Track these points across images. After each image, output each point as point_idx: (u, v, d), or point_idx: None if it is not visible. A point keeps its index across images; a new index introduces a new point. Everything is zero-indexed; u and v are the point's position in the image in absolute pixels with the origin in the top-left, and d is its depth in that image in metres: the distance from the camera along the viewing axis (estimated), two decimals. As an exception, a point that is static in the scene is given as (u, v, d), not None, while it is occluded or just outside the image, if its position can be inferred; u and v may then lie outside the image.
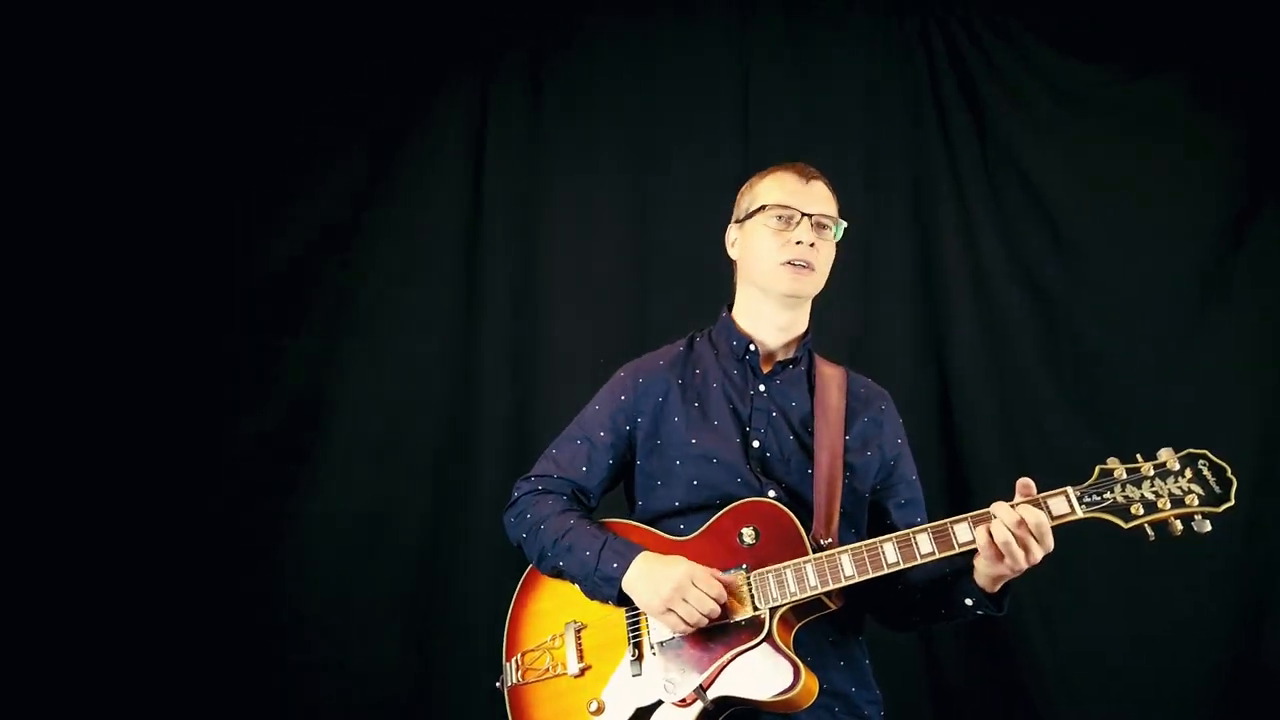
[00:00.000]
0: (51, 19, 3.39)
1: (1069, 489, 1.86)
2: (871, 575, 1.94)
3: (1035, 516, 1.83)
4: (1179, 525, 1.82)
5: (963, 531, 1.90)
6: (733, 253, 2.30)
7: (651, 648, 2.06)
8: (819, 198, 2.20)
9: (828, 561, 1.97)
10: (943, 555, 1.91)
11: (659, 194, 3.70)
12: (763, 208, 2.19)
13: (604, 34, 3.74)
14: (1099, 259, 3.64)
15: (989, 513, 1.88)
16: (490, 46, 3.72)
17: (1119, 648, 3.42)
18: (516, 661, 2.20)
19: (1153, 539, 1.83)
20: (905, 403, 2.37)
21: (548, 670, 2.15)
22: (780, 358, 2.25)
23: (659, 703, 2.02)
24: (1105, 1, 3.74)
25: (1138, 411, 3.54)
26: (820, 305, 2.29)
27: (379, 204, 3.65)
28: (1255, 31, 3.63)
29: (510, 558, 2.34)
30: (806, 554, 2.00)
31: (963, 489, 3.51)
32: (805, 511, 2.08)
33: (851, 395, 2.24)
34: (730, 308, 2.32)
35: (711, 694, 1.97)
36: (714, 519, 2.09)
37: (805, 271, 2.16)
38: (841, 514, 2.12)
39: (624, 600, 2.06)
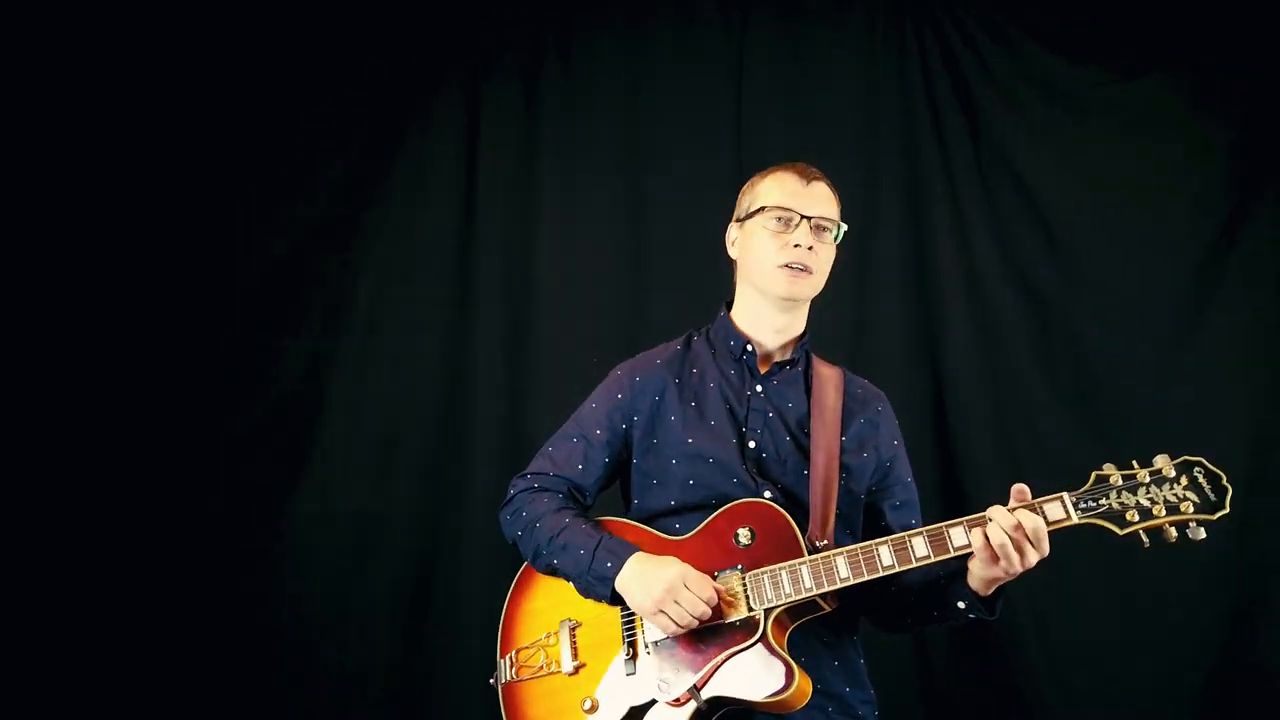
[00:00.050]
0: (49, 18, 3.39)
1: (1065, 495, 1.86)
2: (866, 578, 1.94)
3: (1033, 521, 1.83)
4: (1174, 532, 1.82)
5: (958, 535, 1.90)
6: (732, 252, 2.30)
7: (646, 647, 2.06)
8: (820, 199, 2.19)
9: (823, 563, 1.97)
10: (938, 559, 1.91)
11: (653, 194, 3.70)
12: (762, 209, 2.19)
13: (599, 35, 3.74)
14: (1093, 260, 3.64)
15: (985, 516, 1.88)
16: (488, 46, 3.72)
17: (1111, 648, 3.43)
18: (511, 658, 2.20)
19: (1147, 545, 1.83)
20: (899, 404, 2.37)
21: (542, 668, 2.16)
22: (778, 359, 2.25)
23: (653, 702, 2.02)
24: (1098, 3, 3.74)
25: (1131, 413, 3.54)
26: (815, 306, 2.29)
27: (374, 203, 3.66)
28: (1248, 33, 3.63)
29: (504, 556, 2.34)
30: (802, 555, 2.00)
31: (957, 491, 3.52)
32: (800, 513, 2.08)
33: (849, 396, 2.24)
34: (729, 306, 2.32)
35: (705, 694, 1.98)
36: (710, 519, 2.10)
37: (803, 275, 2.16)
38: (837, 515, 2.12)
39: (617, 599, 2.07)
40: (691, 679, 1.99)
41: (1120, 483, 1.85)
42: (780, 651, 1.96)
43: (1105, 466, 1.88)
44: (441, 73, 3.70)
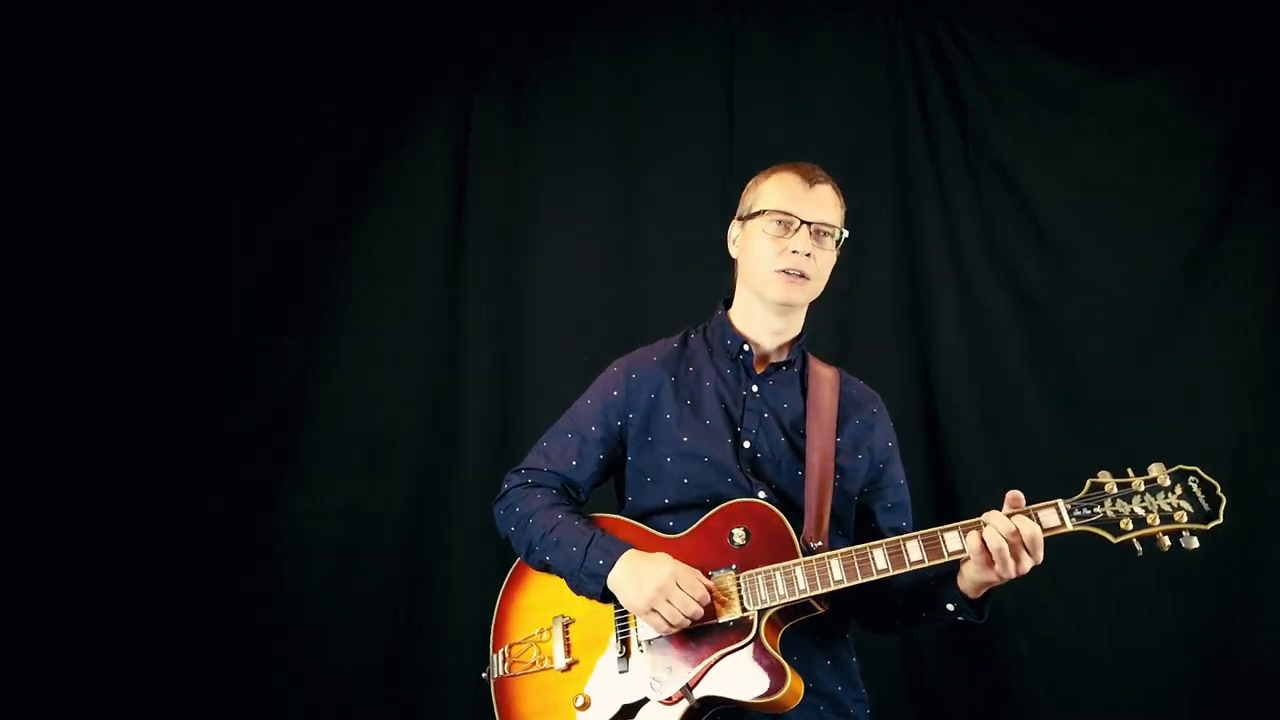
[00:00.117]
0: (49, 18, 3.38)
1: (1059, 502, 1.87)
2: (861, 581, 1.95)
3: (1030, 528, 1.84)
4: (1167, 542, 1.83)
5: (953, 540, 1.91)
6: (733, 250, 2.29)
7: (639, 645, 2.06)
8: (822, 204, 2.17)
9: (817, 565, 1.98)
10: (932, 563, 1.92)
11: (645, 193, 3.70)
12: (763, 211, 2.18)
13: (592, 36, 3.74)
14: (1083, 261, 3.66)
15: (980, 521, 1.88)
16: (484, 47, 3.72)
17: (1100, 646, 3.45)
18: (503, 653, 2.21)
19: (1140, 554, 1.84)
20: (889, 406, 2.37)
21: (534, 663, 2.16)
22: (774, 359, 2.25)
23: (645, 700, 2.03)
24: (1089, 3, 3.74)
25: (1121, 413, 3.56)
26: (808, 307, 2.28)
27: (367, 203, 3.65)
28: (1238, 32, 3.64)
29: (496, 553, 2.35)
30: (796, 557, 2.00)
31: (948, 492, 3.53)
32: (794, 513, 2.08)
33: (844, 397, 2.24)
34: (727, 304, 2.32)
35: (697, 693, 1.98)
36: (705, 518, 2.10)
37: (799, 281, 2.15)
38: (831, 516, 2.12)
39: (609, 597, 2.07)
40: (684, 678, 2.00)
41: (1115, 490, 1.85)
42: (773, 653, 1.97)
43: (1100, 474, 1.88)
44: (436, 74, 3.69)
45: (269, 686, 3.42)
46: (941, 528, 1.92)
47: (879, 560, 1.94)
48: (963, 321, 3.64)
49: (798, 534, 2.04)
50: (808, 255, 2.13)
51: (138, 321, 3.45)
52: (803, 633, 2.06)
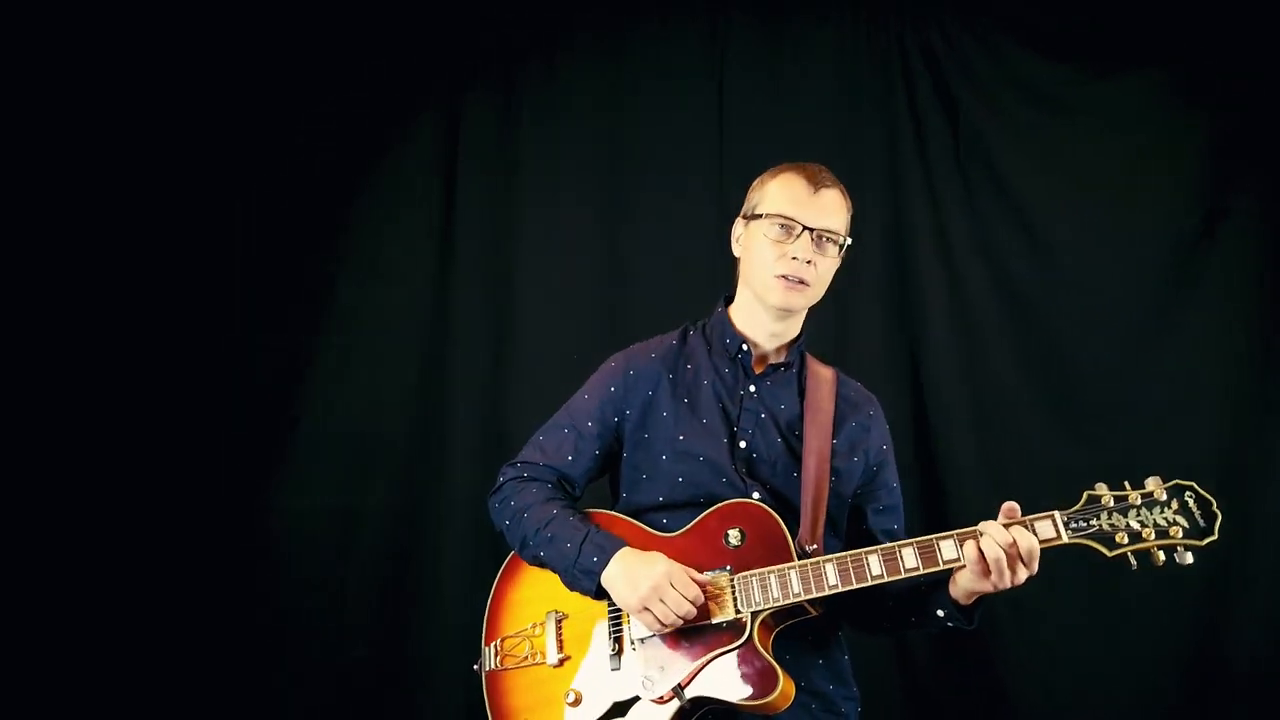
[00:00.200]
0: (48, 17, 3.37)
1: (1056, 514, 1.87)
2: (855, 586, 1.95)
3: (1027, 541, 1.84)
4: (1161, 556, 1.83)
5: (948, 549, 1.90)
6: (735, 249, 2.27)
7: (632, 643, 2.06)
8: (826, 210, 2.15)
9: (812, 569, 1.97)
10: (927, 571, 1.92)
11: (634, 193, 3.70)
12: (765, 214, 2.16)
13: (583, 37, 3.75)
14: (1073, 259, 3.65)
15: (976, 531, 1.88)
16: (474, 49, 3.73)
17: (1093, 647, 3.46)
18: (496, 647, 2.21)
19: (1135, 567, 1.84)
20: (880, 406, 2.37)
21: (527, 658, 2.17)
22: (773, 360, 2.24)
23: (636, 698, 2.03)
24: (1078, 1, 3.72)
25: (1111, 413, 3.57)
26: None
27: (358, 204, 3.66)
28: (1228, 30, 3.63)
29: (486, 552, 2.35)
30: (791, 560, 2.00)
31: (938, 491, 3.54)
32: (789, 515, 2.08)
33: (841, 399, 2.24)
34: (728, 301, 2.31)
35: (689, 693, 1.99)
36: (701, 517, 2.10)
37: (799, 287, 2.13)
38: (825, 518, 2.13)
39: (603, 594, 2.06)
40: (676, 678, 2.00)
41: (1111, 504, 1.85)
42: (765, 655, 1.97)
43: (1097, 486, 1.88)
44: (428, 75, 3.70)
45: (260, 683, 3.44)
46: (937, 535, 1.92)
47: (874, 566, 1.94)
48: (953, 321, 3.64)
49: (793, 536, 2.04)
50: (809, 262, 2.12)
51: (130, 320, 3.45)
52: (795, 631, 2.06)
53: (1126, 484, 1.87)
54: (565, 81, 3.72)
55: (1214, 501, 1.84)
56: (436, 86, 3.71)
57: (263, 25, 3.57)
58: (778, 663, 1.97)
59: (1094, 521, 1.85)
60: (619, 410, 2.22)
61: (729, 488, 2.12)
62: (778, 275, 2.13)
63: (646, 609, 1.99)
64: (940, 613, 2.02)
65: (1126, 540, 1.84)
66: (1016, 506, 1.89)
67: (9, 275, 3.32)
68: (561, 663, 2.13)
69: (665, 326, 2.35)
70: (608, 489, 2.33)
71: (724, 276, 2.38)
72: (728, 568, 2.03)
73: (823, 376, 2.25)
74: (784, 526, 2.04)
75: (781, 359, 2.24)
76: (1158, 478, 1.87)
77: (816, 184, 2.16)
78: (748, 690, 1.96)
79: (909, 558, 1.92)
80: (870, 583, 1.94)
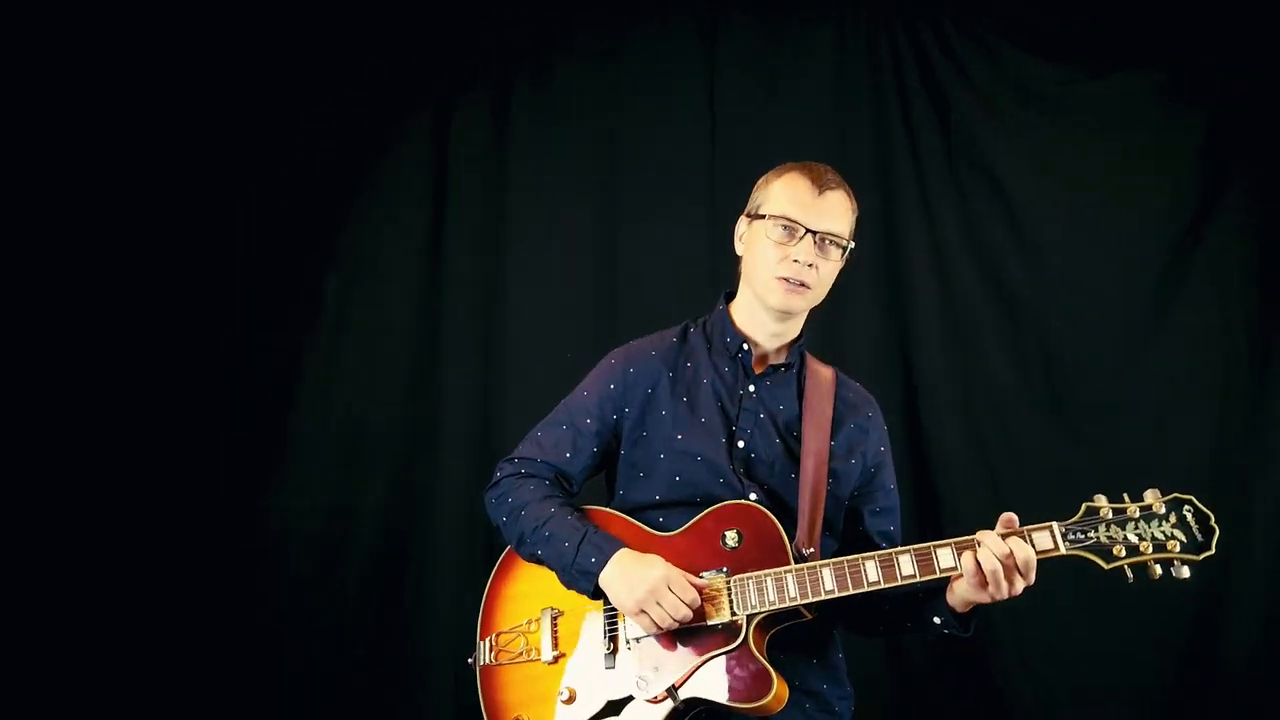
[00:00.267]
0: (48, 17, 3.36)
1: (1054, 525, 1.86)
2: (851, 592, 1.95)
3: (1025, 552, 1.84)
4: (1158, 569, 1.83)
5: (946, 557, 1.90)
6: (738, 247, 2.26)
7: (627, 642, 2.07)
8: (830, 212, 2.13)
9: (809, 574, 1.97)
10: (924, 579, 1.91)
11: (625, 195, 3.70)
12: (769, 215, 2.14)
13: (573, 43, 3.74)
14: (1065, 259, 3.65)
15: (974, 539, 1.88)
16: (469, 50, 3.73)
17: (1086, 648, 3.48)
18: (490, 642, 2.21)
19: (1131, 581, 1.84)
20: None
21: (521, 654, 2.17)
22: (773, 361, 2.23)
23: (630, 698, 2.03)
24: (1070, 1, 3.71)
25: (1105, 413, 3.58)
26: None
27: (351, 204, 3.67)
28: (1219, 28, 3.62)
29: (478, 550, 2.35)
30: (788, 563, 2.00)
31: (929, 493, 3.54)
32: (785, 515, 2.08)
33: (839, 400, 2.24)
34: (729, 298, 2.29)
35: (683, 694, 1.99)
36: (698, 518, 2.09)
37: (800, 290, 2.12)
38: (823, 520, 2.12)
39: (599, 594, 2.06)
40: (670, 678, 2.00)
41: (1110, 516, 1.85)
42: (760, 658, 1.97)
43: (1096, 498, 1.88)
44: (421, 74, 3.70)
45: (258, 682, 3.45)
46: (935, 543, 1.92)
47: (871, 572, 1.94)
48: (945, 321, 3.64)
49: (790, 539, 2.04)
50: (810, 265, 2.11)
51: (130, 319, 3.45)
52: (790, 631, 2.06)
53: (1125, 496, 1.87)
54: (557, 85, 3.72)
55: (1212, 516, 1.83)
56: (435, 87, 3.72)
57: (263, 26, 3.58)
58: (772, 663, 1.97)
59: (1092, 533, 1.85)
60: (618, 408, 2.21)
61: (726, 488, 2.12)
62: (779, 277, 2.12)
63: (643, 611, 1.99)
64: (937, 620, 2.02)
65: (1124, 553, 1.83)
66: (1014, 517, 1.89)
67: (7, 274, 3.32)
68: (556, 660, 2.13)
69: (658, 326, 2.34)
70: (603, 484, 2.32)
71: (718, 277, 2.38)
72: (724, 569, 2.03)
73: (822, 376, 2.25)
74: (781, 530, 2.03)
75: (782, 359, 2.23)
76: (1156, 490, 1.86)
77: (821, 185, 2.14)
78: (741, 693, 1.96)
79: (906, 565, 1.92)
80: (867, 589, 1.94)
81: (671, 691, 2.00)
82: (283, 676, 3.46)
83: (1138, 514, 1.85)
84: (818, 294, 2.17)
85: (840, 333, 3.57)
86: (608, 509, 2.21)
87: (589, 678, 2.09)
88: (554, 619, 2.16)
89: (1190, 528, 1.83)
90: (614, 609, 2.08)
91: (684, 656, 2.01)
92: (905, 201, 3.67)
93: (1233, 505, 3.44)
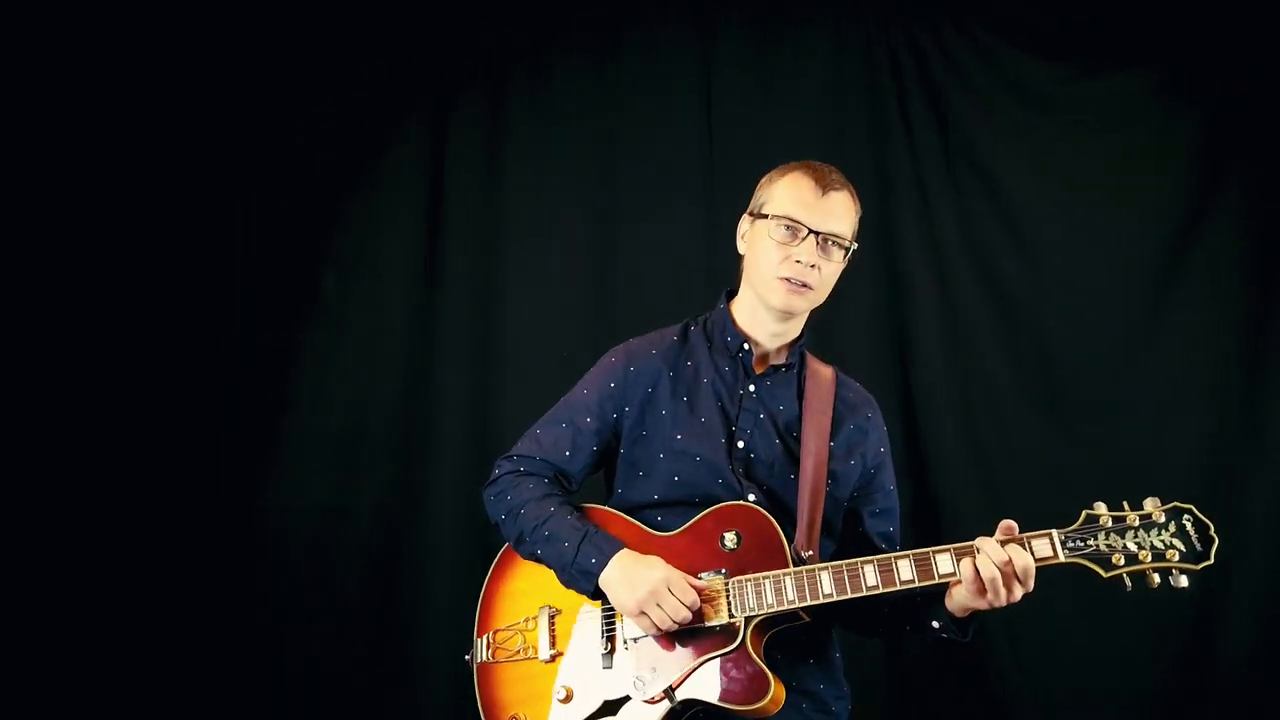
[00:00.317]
0: (48, 17, 3.35)
1: (1054, 532, 1.87)
2: (850, 596, 1.95)
3: (1023, 560, 1.84)
4: (1156, 578, 1.83)
5: (945, 562, 1.90)
6: (741, 246, 2.25)
7: (624, 642, 2.07)
8: (832, 213, 2.12)
9: (807, 577, 1.97)
10: (922, 584, 1.92)
11: (622, 195, 3.69)
12: (772, 215, 2.14)
13: (569, 45, 3.73)
14: (1062, 259, 3.64)
15: (973, 546, 1.88)
16: (465, 50, 3.71)
17: (1081, 648, 3.48)
18: (488, 639, 2.21)
19: (1130, 589, 1.85)
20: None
21: (518, 652, 2.17)
22: (774, 361, 2.23)
23: (627, 698, 2.04)
24: (1066, 1, 3.70)
25: (1102, 412, 3.57)
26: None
27: (346, 202, 3.66)
28: (1215, 27, 3.61)
29: (473, 549, 2.34)
30: (787, 566, 2.00)
31: (926, 493, 3.54)
32: (783, 516, 2.08)
33: (839, 400, 2.23)
34: (729, 296, 2.29)
35: (680, 695, 1.99)
36: (697, 518, 2.09)
37: (802, 290, 2.12)
38: (821, 521, 2.12)
39: (599, 594, 2.06)
40: (667, 679, 2.01)
41: (1109, 524, 1.85)
42: (757, 660, 1.97)
43: (1096, 505, 1.88)
44: (419, 74, 3.69)
45: (252, 680, 3.45)
46: (934, 549, 1.92)
47: (869, 577, 1.94)
48: (943, 321, 3.63)
49: (789, 541, 2.04)
50: (812, 266, 2.10)
51: (122, 318, 3.44)
52: (788, 631, 2.06)
53: (1125, 504, 1.87)
54: (559, 81, 3.72)
55: (1211, 525, 1.84)
56: (434, 86, 3.71)
57: (263, 26, 3.57)
58: (769, 664, 1.98)
59: (1091, 542, 1.85)
60: (618, 407, 2.21)
61: (725, 489, 2.11)
62: (780, 277, 2.11)
63: (643, 613, 1.99)
64: (935, 624, 2.02)
65: (1123, 562, 1.83)
66: (1014, 524, 1.89)
67: (6, 273, 3.31)
68: (553, 658, 2.13)
69: (656, 326, 2.33)
70: (601, 480, 2.32)
71: (716, 276, 2.37)
72: (723, 571, 2.02)
73: (823, 376, 2.24)
74: (781, 532, 2.03)
75: (782, 359, 2.23)
76: (1156, 499, 1.87)
77: (825, 186, 2.13)
78: (738, 695, 1.96)
79: (905, 570, 1.92)
80: (865, 593, 1.94)
81: (668, 692, 2.00)
82: (281, 676, 3.46)
83: (1137, 522, 1.85)
84: (819, 295, 2.16)
85: (837, 333, 3.55)
86: (606, 507, 2.21)
87: (586, 677, 2.09)
88: (552, 617, 2.16)
89: (1189, 537, 1.84)
90: (612, 608, 2.08)
91: (681, 657, 2.01)
92: (903, 201, 3.66)
93: (1229, 505, 3.45)
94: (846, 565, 1.96)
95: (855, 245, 2.17)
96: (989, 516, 1.94)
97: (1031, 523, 1.92)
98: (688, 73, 3.72)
